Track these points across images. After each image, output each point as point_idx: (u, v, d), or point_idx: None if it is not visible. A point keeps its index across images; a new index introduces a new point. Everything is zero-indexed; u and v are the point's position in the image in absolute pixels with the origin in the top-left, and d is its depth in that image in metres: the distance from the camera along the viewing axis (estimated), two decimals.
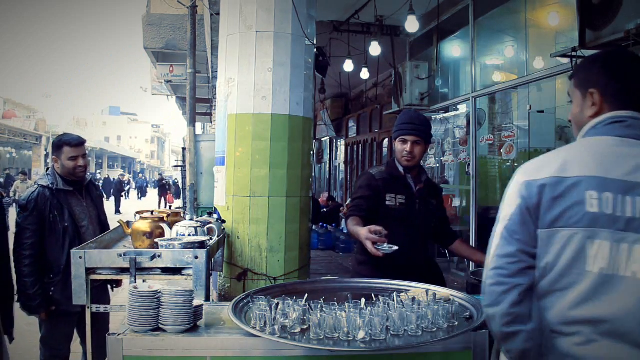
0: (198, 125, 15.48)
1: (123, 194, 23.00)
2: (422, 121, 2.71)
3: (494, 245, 1.39)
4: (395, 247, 2.27)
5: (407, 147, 2.64)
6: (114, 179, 26.89)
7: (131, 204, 22.36)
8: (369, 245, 2.25)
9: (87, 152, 3.14)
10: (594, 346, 1.28)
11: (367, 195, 2.63)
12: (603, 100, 1.41)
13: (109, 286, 3.29)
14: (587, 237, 1.29)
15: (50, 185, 2.93)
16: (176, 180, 25.85)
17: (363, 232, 2.30)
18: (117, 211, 20.01)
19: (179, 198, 18.53)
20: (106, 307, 2.62)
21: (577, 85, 1.48)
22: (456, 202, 7.14)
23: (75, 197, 3.04)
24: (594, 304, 1.28)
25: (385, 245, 2.27)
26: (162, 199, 23.13)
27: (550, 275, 1.33)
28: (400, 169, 2.69)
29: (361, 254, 2.66)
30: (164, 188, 23.72)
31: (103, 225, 3.19)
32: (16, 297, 2.84)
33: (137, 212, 2.91)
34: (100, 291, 3.09)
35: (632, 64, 1.43)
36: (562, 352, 1.32)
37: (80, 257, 2.37)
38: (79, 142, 3.05)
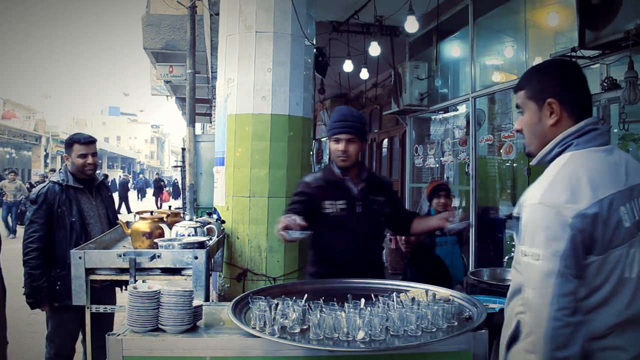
0: (198, 125, 15.44)
1: (128, 193, 22.87)
2: (355, 118, 2.55)
3: (550, 284, 1.33)
4: (307, 232, 2.16)
5: (341, 146, 2.49)
6: (113, 179, 26.77)
7: (131, 205, 22.32)
8: (278, 227, 2.13)
9: (96, 151, 3.22)
10: (627, 332, 1.39)
11: (302, 200, 2.51)
12: (562, 108, 1.49)
13: (118, 287, 3.30)
14: (627, 249, 1.38)
15: (60, 182, 3.03)
16: (175, 181, 25.76)
17: (281, 218, 2.18)
18: (129, 211, 19.96)
19: (178, 198, 18.48)
20: (105, 308, 2.63)
21: (531, 96, 1.54)
22: (456, 202, 7.14)
23: (85, 195, 3.12)
24: (635, 304, 1.38)
25: (297, 231, 2.13)
26: (158, 198, 23.07)
27: (599, 293, 1.37)
28: (337, 171, 2.55)
29: (312, 265, 2.63)
30: (161, 189, 23.70)
31: (112, 224, 3.24)
32: (23, 290, 2.90)
33: (137, 212, 2.92)
34: (107, 292, 3.11)
35: (580, 73, 1.54)
36: (599, 348, 1.37)
37: (80, 258, 2.37)
38: (89, 140, 3.15)
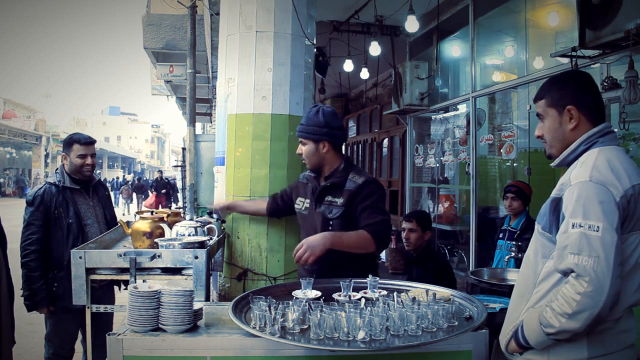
0: (198, 125, 15.46)
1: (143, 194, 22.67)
2: (307, 120, 2.61)
3: (612, 253, 1.45)
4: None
5: (298, 149, 2.63)
6: (114, 178, 26.51)
7: (131, 205, 22.31)
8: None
9: (95, 151, 3.22)
10: (632, 315, 1.61)
11: (284, 190, 2.90)
12: (580, 114, 1.66)
13: (116, 286, 3.30)
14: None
15: (57, 183, 3.01)
16: (174, 179, 25.47)
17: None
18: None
19: (178, 202, 18.35)
20: (106, 307, 2.63)
21: (551, 104, 1.71)
22: (456, 202, 7.14)
23: (81, 195, 3.11)
24: None
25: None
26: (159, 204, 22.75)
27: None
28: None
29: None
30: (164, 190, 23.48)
31: (109, 224, 3.22)
32: (21, 292, 2.89)
33: (137, 212, 2.92)
34: (105, 291, 3.11)
35: (593, 82, 1.73)
36: (616, 329, 1.58)
37: (80, 257, 2.37)
38: (89, 141, 3.14)
